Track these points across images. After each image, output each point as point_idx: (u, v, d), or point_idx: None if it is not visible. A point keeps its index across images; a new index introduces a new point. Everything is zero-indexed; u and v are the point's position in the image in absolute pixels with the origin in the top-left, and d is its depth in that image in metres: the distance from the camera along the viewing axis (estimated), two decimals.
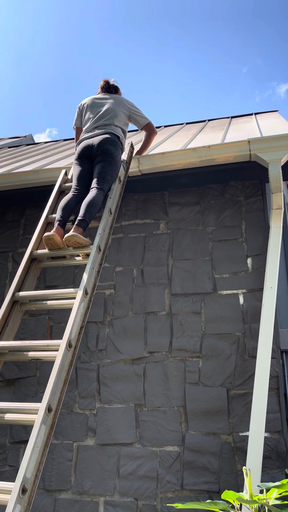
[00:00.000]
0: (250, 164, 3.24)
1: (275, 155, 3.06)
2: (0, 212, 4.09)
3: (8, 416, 1.95)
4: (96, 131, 3.02)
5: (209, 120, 6.28)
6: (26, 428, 3.20)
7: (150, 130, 3.38)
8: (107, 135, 2.97)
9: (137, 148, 3.45)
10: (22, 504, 1.64)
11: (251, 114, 6.11)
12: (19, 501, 1.63)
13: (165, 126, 6.59)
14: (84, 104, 3.31)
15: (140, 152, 3.43)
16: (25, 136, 8.39)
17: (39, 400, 2.14)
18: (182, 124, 6.52)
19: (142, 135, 5.78)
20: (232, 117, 6.11)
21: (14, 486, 1.65)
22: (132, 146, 3.30)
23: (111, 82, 3.42)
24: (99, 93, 3.39)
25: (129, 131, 6.31)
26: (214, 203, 3.52)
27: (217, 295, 3.24)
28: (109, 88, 3.39)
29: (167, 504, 2.27)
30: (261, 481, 2.43)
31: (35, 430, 1.79)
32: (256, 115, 5.88)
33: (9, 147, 7.32)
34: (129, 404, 3.10)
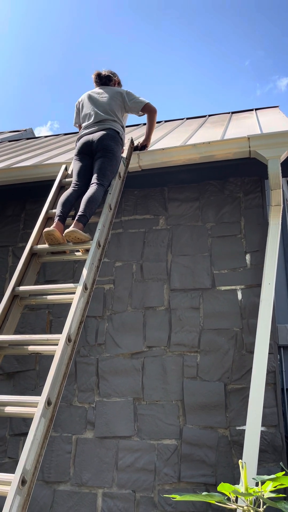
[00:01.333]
0: (249, 161, 3.25)
1: (274, 152, 3.07)
2: (0, 207, 4.10)
3: (8, 409, 1.98)
4: (96, 127, 3.02)
5: (209, 116, 6.27)
6: (26, 421, 3.23)
7: (148, 111, 3.21)
8: (106, 131, 2.97)
9: (141, 139, 3.43)
10: (22, 495, 1.67)
11: (252, 110, 6.10)
12: (19, 492, 1.66)
13: (166, 121, 6.58)
14: (81, 102, 3.29)
15: (147, 138, 3.36)
16: (25, 130, 8.37)
17: (38, 393, 2.17)
18: (182, 119, 6.51)
19: (143, 129, 5.78)
20: (232, 113, 6.11)
21: (14, 478, 1.68)
22: (132, 142, 3.31)
23: (103, 73, 3.34)
24: (95, 88, 3.37)
25: (129, 126, 6.31)
26: (214, 199, 3.54)
27: (215, 291, 3.26)
28: (102, 80, 3.33)
29: (164, 495, 2.31)
30: (257, 474, 2.46)
31: (34, 423, 1.82)
32: (257, 111, 5.87)
33: (9, 141, 7.31)
34: (128, 398, 3.13)
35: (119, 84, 3.43)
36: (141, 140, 3.45)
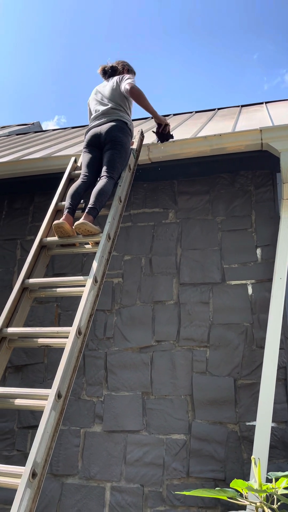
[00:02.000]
0: (261, 153, 3.20)
1: (287, 144, 3.03)
2: (8, 200, 4.08)
3: (18, 402, 1.97)
4: (103, 119, 2.98)
5: (218, 109, 6.21)
6: (34, 414, 3.23)
7: (131, 94, 2.94)
8: (114, 122, 2.93)
9: (151, 135, 3.37)
10: (32, 488, 1.66)
11: (262, 103, 6.04)
12: (29, 485, 1.65)
13: (174, 115, 6.52)
14: (90, 98, 3.27)
15: (158, 122, 3.17)
16: (33, 124, 8.35)
17: (47, 386, 2.16)
18: (191, 112, 6.45)
19: (152, 122, 5.73)
20: (242, 106, 6.04)
21: (25, 471, 1.67)
22: (142, 134, 3.27)
23: (107, 66, 3.28)
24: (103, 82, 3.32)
25: (139, 119, 6.26)
26: (224, 193, 3.50)
27: (225, 285, 3.23)
28: (107, 73, 3.28)
29: (175, 492, 2.29)
30: (267, 471, 2.44)
31: (45, 416, 1.81)
32: (267, 104, 5.81)
33: (17, 134, 7.29)
34: (136, 392, 3.11)
35: (129, 72, 3.32)
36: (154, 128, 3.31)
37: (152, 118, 3.38)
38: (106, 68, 3.26)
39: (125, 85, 2.98)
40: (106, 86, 3.15)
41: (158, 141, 3.29)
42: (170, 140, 3.29)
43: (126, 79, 3.03)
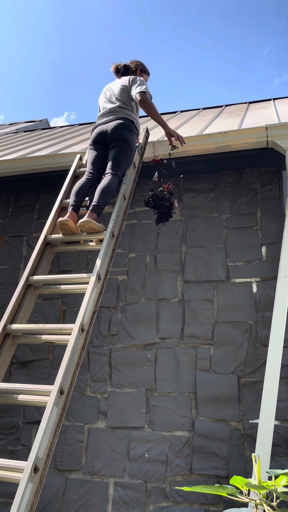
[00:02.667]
0: (267, 151, 3.19)
1: None
2: (15, 197, 4.11)
3: (22, 397, 1.99)
4: (110, 117, 2.98)
5: (226, 106, 6.18)
6: (39, 409, 3.26)
7: (141, 104, 2.88)
8: (121, 120, 2.93)
9: (156, 133, 3.38)
10: (34, 483, 1.67)
11: (270, 100, 5.99)
12: (31, 479, 1.67)
13: (181, 111, 6.51)
14: (100, 95, 3.27)
15: (168, 136, 3.03)
16: (40, 120, 8.37)
17: (51, 382, 2.17)
18: (198, 109, 6.42)
19: None
20: (249, 103, 6.01)
21: (27, 465, 1.69)
22: (147, 131, 3.27)
23: (121, 65, 3.29)
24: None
25: (145, 116, 6.25)
26: (229, 190, 3.49)
27: (230, 283, 3.23)
28: (119, 72, 3.29)
29: (176, 488, 2.30)
30: (270, 468, 2.44)
31: (47, 412, 1.82)
32: (275, 100, 5.77)
33: (24, 131, 7.32)
34: (140, 389, 3.13)
35: (142, 72, 3.32)
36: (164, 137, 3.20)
37: (161, 115, 3.35)
38: (119, 67, 3.27)
39: (135, 93, 2.91)
40: (116, 84, 3.16)
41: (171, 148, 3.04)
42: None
43: (138, 85, 2.95)
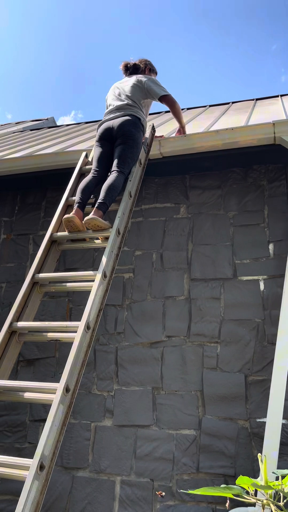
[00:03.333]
0: (274, 147, 3.16)
1: None
2: (21, 195, 4.11)
3: (28, 395, 1.99)
4: (117, 113, 2.98)
5: (233, 103, 6.14)
6: (46, 407, 3.26)
7: (168, 103, 3.13)
8: (127, 117, 2.92)
9: (162, 130, 3.38)
10: (40, 480, 1.67)
11: (277, 96, 5.95)
12: (37, 477, 1.67)
13: (188, 109, 6.48)
14: (108, 93, 3.28)
15: (181, 128, 3.34)
16: (47, 119, 8.38)
17: (58, 380, 2.16)
18: (205, 106, 6.39)
19: (164, 117, 5.69)
20: (257, 99, 5.96)
21: (32, 463, 1.69)
22: (153, 128, 3.25)
23: (130, 63, 3.32)
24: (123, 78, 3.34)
25: (150, 114, 6.23)
26: (236, 187, 3.46)
27: (237, 281, 3.20)
28: (129, 70, 3.31)
29: (181, 491, 2.29)
30: (277, 468, 2.42)
31: (53, 409, 1.82)
32: (282, 97, 5.72)
33: (31, 130, 7.33)
34: (147, 387, 3.12)
35: (151, 71, 3.37)
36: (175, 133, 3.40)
37: (165, 112, 3.40)
38: (128, 65, 3.30)
39: (160, 91, 3.08)
40: (126, 83, 3.16)
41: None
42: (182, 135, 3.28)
43: (160, 86, 3.12)
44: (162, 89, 3.12)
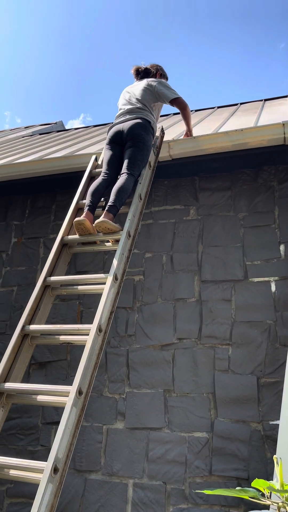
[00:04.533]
0: (284, 148, 3.14)
1: None
2: (31, 199, 4.14)
3: (41, 398, 2.00)
4: (127, 116, 2.99)
5: (241, 104, 6.13)
6: (58, 410, 3.27)
7: (178, 106, 3.17)
8: (138, 120, 2.94)
9: (171, 132, 3.39)
10: (54, 483, 1.68)
11: (286, 96, 5.92)
12: (51, 480, 1.67)
13: (196, 110, 6.47)
14: (120, 97, 3.30)
15: (188, 130, 3.36)
16: (55, 123, 8.44)
17: (69, 383, 2.18)
18: (213, 108, 6.38)
19: (173, 119, 5.70)
20: (265, 100, 5.94)
21: (46, 466, 1.69)
22: (162, 131, 3.26)
23: (141, 68, 3.35)
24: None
25: (160, 116, 6.24)
26: (246, 188, 3.45)
27: (248, 283, 3.19)
28: (140, 74, 3.34)
29: (196, 491, 2.28)
30: None
31: (66, 412, 1.83)
32: None
33: (40, 134, 7.38)
34: (158, 390, 3.11)
35: (161, 76, 3.40)
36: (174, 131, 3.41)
37: (173, 114, 3.41)
38: (139, 69, 3.33)
39: (171, 94, 3.11)
40: (137, 87, 3.19)
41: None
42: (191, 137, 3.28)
43: (171, 89, 3.15)
44: (173, 91, 3.14)
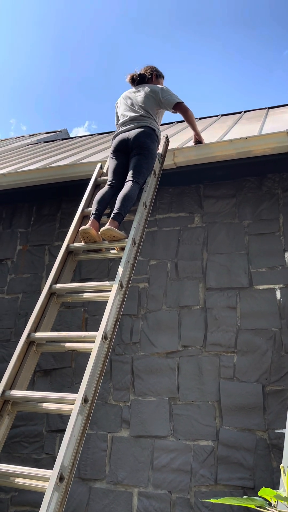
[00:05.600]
0: None
1: None
2: (36, 206, 4.17)
3: (46, 406, 2.00)
4: (131, 125, 3.01)
5: (245, 112, 6.16)
6: (62, 418, 3.26)
7: (181, 111, 3.16)
8: (142, 128, 2.95)
9: (176, 140, 3.41)
10: (60, 492, 1.67)
11: None
12: (57, 488, 1.66)
13: (200, 118, 6.51)
14: (118, 102, 3.30)
15: (196, 134, 3.40)
16: (60, 131, 8.50)
17: (74, 390, 2.18)
18: (217, 116, 6.42)
19: (177, 127, 5.73)
20: (269, 108, 5.97)
21: (52, 474, 1.69)
22: (167, 139, 3.28)
23: (136, 74, 3.32)
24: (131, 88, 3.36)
25: (164, 124, 6.28)
26: (251, 196, 3.46)
27: (253, 290, 3.18)
28: (135, 81, 3.32)
29: (203, 500, 2.26)
30: None
31: (72, 420, 1.82)
32: None
33: (45, 142, 7.44)
34: (163, 398, 3.10)
35: (158, 77, 3.37)
36: (191, 140, 3.47)
37: (178, 122, 3.42)
38: (134, 76, 3.31)
39: (173, 100, 3.12)
40: (139, 93, 3.18)
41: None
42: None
43: (173, 95, 3.15)
44: (175, 97, 3.15)
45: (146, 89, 3.18)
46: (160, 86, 3.23)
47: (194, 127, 3.32)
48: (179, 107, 3.14)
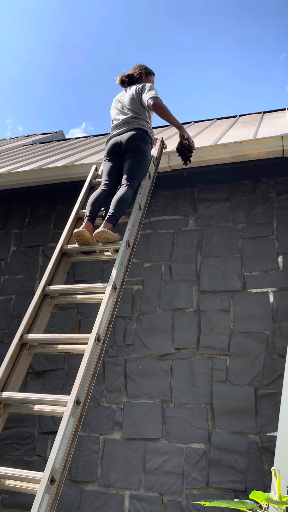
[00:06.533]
0: (282, 160, 3.18)
1: None
2: (31, 207, 4.16)
3: (38, 407, 1.99)
4: (124, 127, 2.99)
5: (240, 116, 6.19)
6: (54, 419, 3.25)
7: (154, 108, 2.88)
8: (135, 131, 2.94)
9: (170, 143, 3.40)
10: (51, 494, 1.67)
11: (284, 109, 5.98)
12: (48, 490, 1.66)
13: (195, 122, 6.53)
14: (111, 106, 3.29)
15: (185, 136, 3.04)
16: (56, 132, 8.49)
17: (67, 392, 2.18)
18: (212, 119, 6.44)
19: (173, 130, 5.74)
20: (264, 112, 6.00)
21: (43, 476, 1.68)
22: (163, 142, 3.28)
23: (125, 75, 3.26)
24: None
25: (159, 127, 6.29)
26: (245, 200, 3.47)
27: (246, 293, 3.20)
28: (124, 82, 3.26)
29: (194, 502, 2.26)
30: None
31: (63, 422, 1.82)
32: None
33: (40, 143, 7.43)
34: (156, 400, 3.10)
35: (147, 75, 3.28)
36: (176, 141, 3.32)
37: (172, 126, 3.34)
38: (123, 78, 3.26)
39: (147, 99, 2.92)
40: (126, 95, 3.17)
41: (183, 163, 3.10)
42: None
43: (148, 91, 2.97)
44: (149, 93, 2.92)
45: (131, 90, 3.12)
46: (142, 84, 3.10)
47: (173, 123, 2.95)
48: (150, 105, 2.89)
